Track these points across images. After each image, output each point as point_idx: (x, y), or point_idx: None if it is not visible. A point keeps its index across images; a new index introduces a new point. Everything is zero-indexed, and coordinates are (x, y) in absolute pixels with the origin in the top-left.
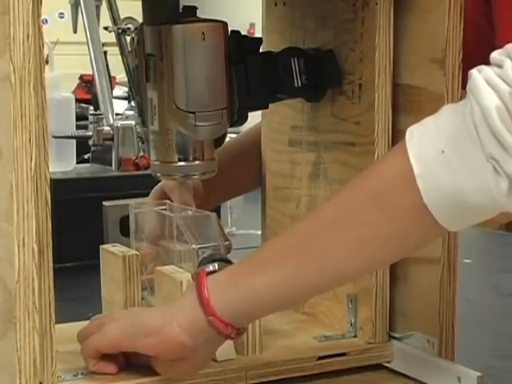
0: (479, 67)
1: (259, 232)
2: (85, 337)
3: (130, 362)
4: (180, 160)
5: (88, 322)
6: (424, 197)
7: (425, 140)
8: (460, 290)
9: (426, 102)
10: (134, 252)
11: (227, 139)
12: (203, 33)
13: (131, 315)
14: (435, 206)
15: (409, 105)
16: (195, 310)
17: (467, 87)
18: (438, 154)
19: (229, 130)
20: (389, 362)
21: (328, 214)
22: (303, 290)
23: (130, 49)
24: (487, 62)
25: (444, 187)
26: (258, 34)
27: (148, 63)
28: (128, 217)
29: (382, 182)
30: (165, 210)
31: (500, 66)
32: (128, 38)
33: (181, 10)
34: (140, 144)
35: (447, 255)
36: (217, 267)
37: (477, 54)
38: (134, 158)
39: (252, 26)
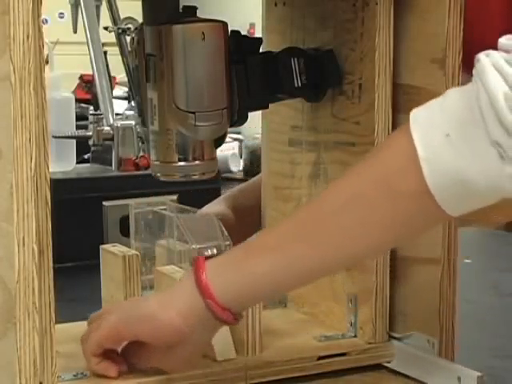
0: (487, 51)
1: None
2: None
3: (131, 364)
4: (180, 160)
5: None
6: (427, 180)
7: (430, 123)
8: (460, 289)
9: (426, 102)
10: (134, 252)
11: (229, 144)
12: (203, 33)
13: (129, 303)
14: (438, 190)
15: (409, 105)
16: (193, 294)
17: (474, 70)
18: (442, 137)
19: (229, 129)
20: (389, 362)
21: (331, 198)
22: (303, 276)
23: (129, 49)
24: None
25: (447, 171)
26: (258, 34)
27: (148, 63)
28: (128, 217)
29: (385, 164)
30: (165, 209)
31: (508, 52)
32: (128, 38)
33: (181, 10)
34: (140, 144)
35: (447, 255)
36: (215, 252)
37: None
38: (134, 158)
39: (252, 26)
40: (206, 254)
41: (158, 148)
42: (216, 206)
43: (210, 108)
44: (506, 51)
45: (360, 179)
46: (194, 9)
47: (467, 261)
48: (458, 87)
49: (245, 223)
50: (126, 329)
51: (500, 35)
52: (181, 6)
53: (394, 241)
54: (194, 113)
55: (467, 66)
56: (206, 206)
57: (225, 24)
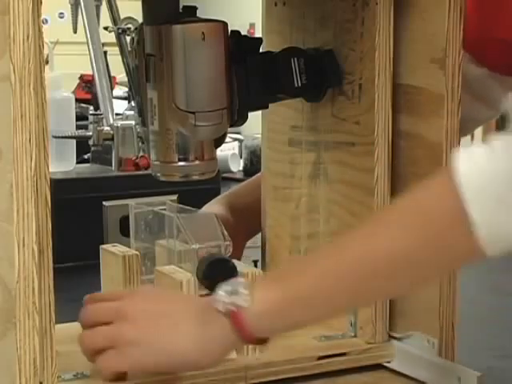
0: None
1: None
2: (90, 324)
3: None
4: (180, 160)
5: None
6: (482, 244)
7: (481, 186)
8: (460, 289)
9: (427, 102)
10: (134, 252)
11: (230, 148)
12: (203, 33)
13: (155, 329)
14: (492, 250)
15: (409, 105)
16: (235, 342)
17: None
18: (497, 201)
19: (229, 129)
20: (389, 362)
21: (380, 253)
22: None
23: (129, 49)
24: None
25: (504, 235)
26: (258, 33)
27: (148, 63)
28: (128, 217)
29: (437, 227)
30: (165, 209)
31: None
32: (128, 38)
33: (181, 10)
34: (140, 144)
35: None
36: (245, 295)
37: None
38: (134, 158)
39: (252, 26)
40: (238, 303)
41: (158, 148)
42: (213, 207)
43: (210, 108)
44: None
45: (409, 237)
46: (194, 9)
47: None
48: (502, 135)
49: (243, 223)
50: (152, 368)
51: None
52: (181, 6)
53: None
54: (194, 113)
55: (478, 56)
56: (203, 207)
57: (225, 24)
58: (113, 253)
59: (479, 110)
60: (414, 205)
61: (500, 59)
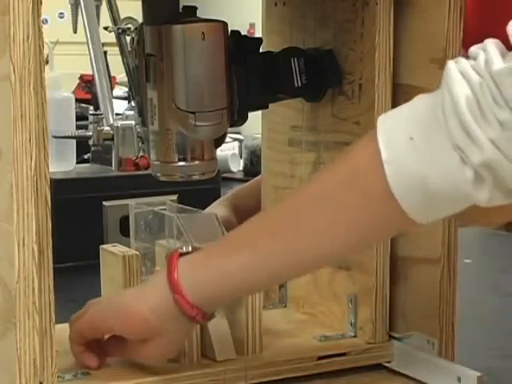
0: (457, 58)
1: None
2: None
3: (112, 356)
4: (180, 160)
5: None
6: (390, 182)
7: (395, 126)
8: (460, 289)
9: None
10: (134, 252)
11: (230, 145)
12: (203, 33)
13: (108, 296)
14: (400, 193)
15: None
16: (163, 289)
17: (442, 77)
18: (406, 140)
19: (229, 129)
20: (389, 362)
21: (304, 196)
22: (274, 274)
23: (129, 49)
24: None
25: (409, 173)
26: (258, 34)
27: (148, 63)
28: (128, 217)
29: (353, 166)
30: (165, 209)
31: (475, 59)
32: (128, 38)
33: (181, 10)
34: (140, 144)
35: (447, 255)
36: (190, 249)
37: None
38: (134, 158)
39: (252, 26)
40: (180, 250)
41: (158, 148)
42: (216, 209)
43: (210, 108)
44: (474, 58)
45: (331, 178)
46: (194, 9)
47: (467, 261)
48: (427, 93)
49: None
50: (101, 321)
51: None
52: (181, 6)
53: (360, 242)
54: (194, 113)
55: None
56: (207, 208)
57: (225, 24)
58: (113, 253)
59: None
60: (345, 153)
61: None
